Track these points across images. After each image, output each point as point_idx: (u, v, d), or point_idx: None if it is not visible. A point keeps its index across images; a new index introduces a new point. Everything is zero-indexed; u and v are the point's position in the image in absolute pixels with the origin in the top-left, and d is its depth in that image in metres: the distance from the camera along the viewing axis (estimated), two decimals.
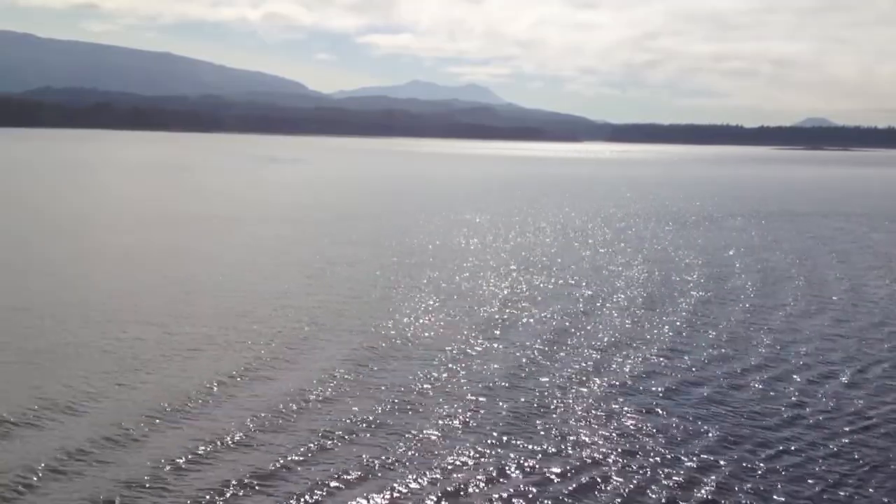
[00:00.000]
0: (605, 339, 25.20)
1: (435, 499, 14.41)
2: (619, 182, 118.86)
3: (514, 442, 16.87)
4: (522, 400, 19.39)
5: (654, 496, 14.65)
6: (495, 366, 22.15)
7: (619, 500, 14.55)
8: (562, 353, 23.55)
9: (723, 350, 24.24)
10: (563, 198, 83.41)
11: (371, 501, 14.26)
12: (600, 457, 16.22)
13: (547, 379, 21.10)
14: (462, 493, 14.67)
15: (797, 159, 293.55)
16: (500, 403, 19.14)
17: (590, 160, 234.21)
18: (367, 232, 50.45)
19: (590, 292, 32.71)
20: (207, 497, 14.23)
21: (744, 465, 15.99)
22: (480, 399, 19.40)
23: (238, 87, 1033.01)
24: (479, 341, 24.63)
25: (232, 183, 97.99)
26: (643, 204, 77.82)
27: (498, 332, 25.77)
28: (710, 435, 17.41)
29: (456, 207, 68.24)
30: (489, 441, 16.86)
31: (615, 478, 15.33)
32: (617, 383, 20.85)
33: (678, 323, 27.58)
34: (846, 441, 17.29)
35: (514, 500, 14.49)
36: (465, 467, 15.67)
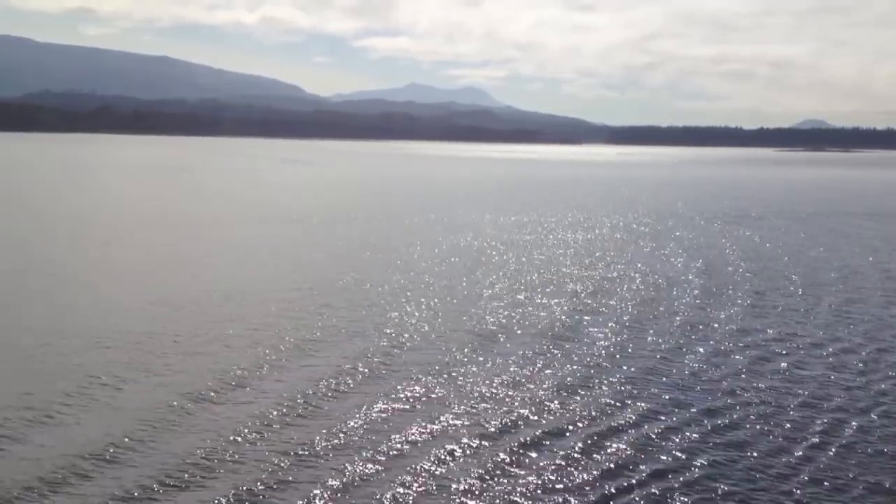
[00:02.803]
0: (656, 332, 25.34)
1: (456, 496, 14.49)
2: (639, 182, 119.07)
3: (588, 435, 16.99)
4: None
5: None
6: (502, 367, 22.26)
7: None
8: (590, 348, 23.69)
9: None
10: (572, 197, 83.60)
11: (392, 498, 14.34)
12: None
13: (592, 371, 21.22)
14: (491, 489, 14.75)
15: (800, 161, 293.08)
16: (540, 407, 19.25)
17: (591, 162, 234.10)
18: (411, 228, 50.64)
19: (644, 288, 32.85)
20: (242, 481, 14.40)
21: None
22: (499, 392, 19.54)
23: (235, 90, 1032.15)
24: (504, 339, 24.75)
25: (262, 184, 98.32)
26: (661, 204, 77.95)
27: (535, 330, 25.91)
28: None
29: (489, 206, 68.37)
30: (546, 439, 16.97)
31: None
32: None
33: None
34: None
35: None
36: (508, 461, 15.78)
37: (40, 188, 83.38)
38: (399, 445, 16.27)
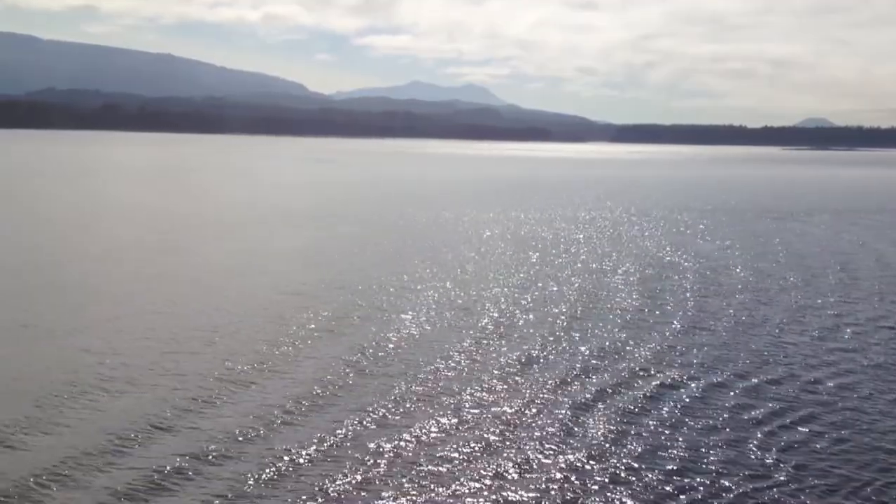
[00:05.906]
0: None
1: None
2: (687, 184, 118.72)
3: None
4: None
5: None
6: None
7: None
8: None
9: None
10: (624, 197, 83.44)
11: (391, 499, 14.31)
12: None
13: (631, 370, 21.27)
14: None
15: (817, 160, 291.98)
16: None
17: (611, 161, 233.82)
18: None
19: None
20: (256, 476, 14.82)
21: None
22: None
23: (239, 88, 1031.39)
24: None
25: (322, 185, 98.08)
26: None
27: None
28: None
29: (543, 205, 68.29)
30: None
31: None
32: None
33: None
34: None
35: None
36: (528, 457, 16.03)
37: (99, 188, 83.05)
38: (442, 429, 17.14)
